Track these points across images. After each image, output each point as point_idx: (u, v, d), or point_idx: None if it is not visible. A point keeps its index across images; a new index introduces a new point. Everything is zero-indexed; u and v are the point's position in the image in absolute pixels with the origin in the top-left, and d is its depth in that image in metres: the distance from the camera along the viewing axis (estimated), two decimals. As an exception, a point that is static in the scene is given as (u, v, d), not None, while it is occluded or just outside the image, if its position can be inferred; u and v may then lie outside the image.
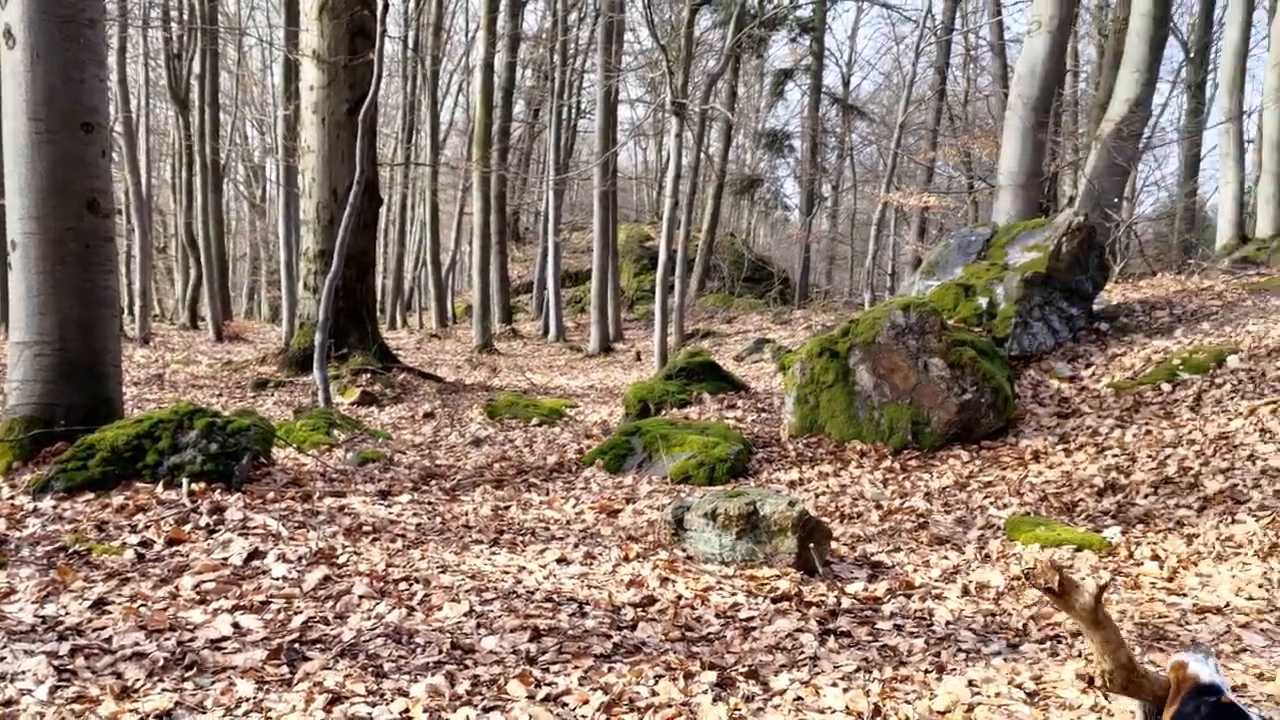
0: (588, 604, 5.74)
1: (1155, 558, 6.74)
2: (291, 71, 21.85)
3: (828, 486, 9.11)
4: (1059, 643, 5.46)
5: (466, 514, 7.95)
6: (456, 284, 40.56)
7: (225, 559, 5.99)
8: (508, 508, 8.26)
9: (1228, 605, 5.84)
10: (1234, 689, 4.68)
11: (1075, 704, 4.48)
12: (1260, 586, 6.02)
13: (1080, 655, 5.17)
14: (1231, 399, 9.50)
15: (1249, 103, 22.22)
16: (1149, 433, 9.29)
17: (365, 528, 7.06)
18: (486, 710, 4.11)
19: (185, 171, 28.11)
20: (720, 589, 6.21)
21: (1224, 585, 6.14)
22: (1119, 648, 1.79)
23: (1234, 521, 7.17)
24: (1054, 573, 1.77)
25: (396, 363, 16.80)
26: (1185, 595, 6.11)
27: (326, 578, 5.77)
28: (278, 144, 24.82)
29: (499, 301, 29.41)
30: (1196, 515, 7.47)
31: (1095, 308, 13.06)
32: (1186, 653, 1.71)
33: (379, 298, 23.81)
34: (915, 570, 6.88)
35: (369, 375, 15.21)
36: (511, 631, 5.13)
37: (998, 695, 4.61)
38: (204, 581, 5.59)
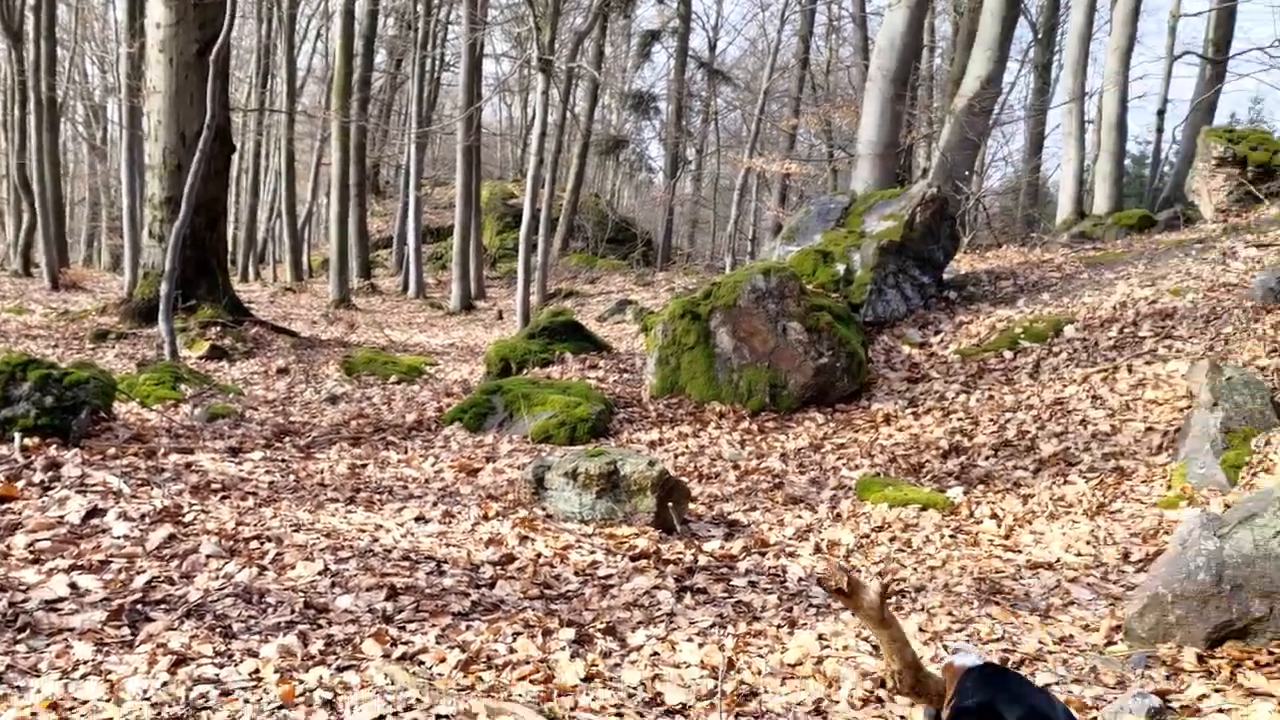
0: (446, 562, 5.69)
1: (994, 516, 7.07)
2: (136, 7, 20.69)
3: (687, 447, 9.23)
4: (904, 598, 5.68)
5: (322, 472, 7.77)
6: (313, 237, 39.37)
7: (62, 517, 5.70)
8: (365, 466, 8.11)
9: (1058, 561, 6.18)
10: (1061, 640, 4.97)
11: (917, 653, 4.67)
12: (1088, 543, 6.38)
13: (923, 609, 5.41)
14: (1067, 366, 9.99)
15: (1090, 84, 23.24)
16: (991, 398, 9.71)
17: (214, 485, 6.83)
18: (341, 670, 4.04)
19: (18, 109, 26.35)
20: (579, 547, 6.24)
21: (1055, 542, 6.49)
22: (905, 646, 1.88)
23: (1066, 482, 7.58)
24: (842, 575, 1.86)
25: (249, 316, 16.23)
26: (1020, 552, 6.44)
27: (171, 536, 5.56)
28: (121, 83, 23.45)
29: (357, 256, 28.70)
30: (1032, 476, 7.86)
31: (945, 277, 13.54)
32: (956, 655, 1.78)
33: (230, 248, 22.89)
34: (770, 529, 7.05)
35: (219, 328, 14.66)
36: (367, 590, 5.04)
37: (845, 648, 4.78)
38: (38, 540, 5.32)
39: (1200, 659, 4.44)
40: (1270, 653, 4.41)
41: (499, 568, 5.72)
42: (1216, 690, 4.09)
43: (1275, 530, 4.50)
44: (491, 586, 5.39)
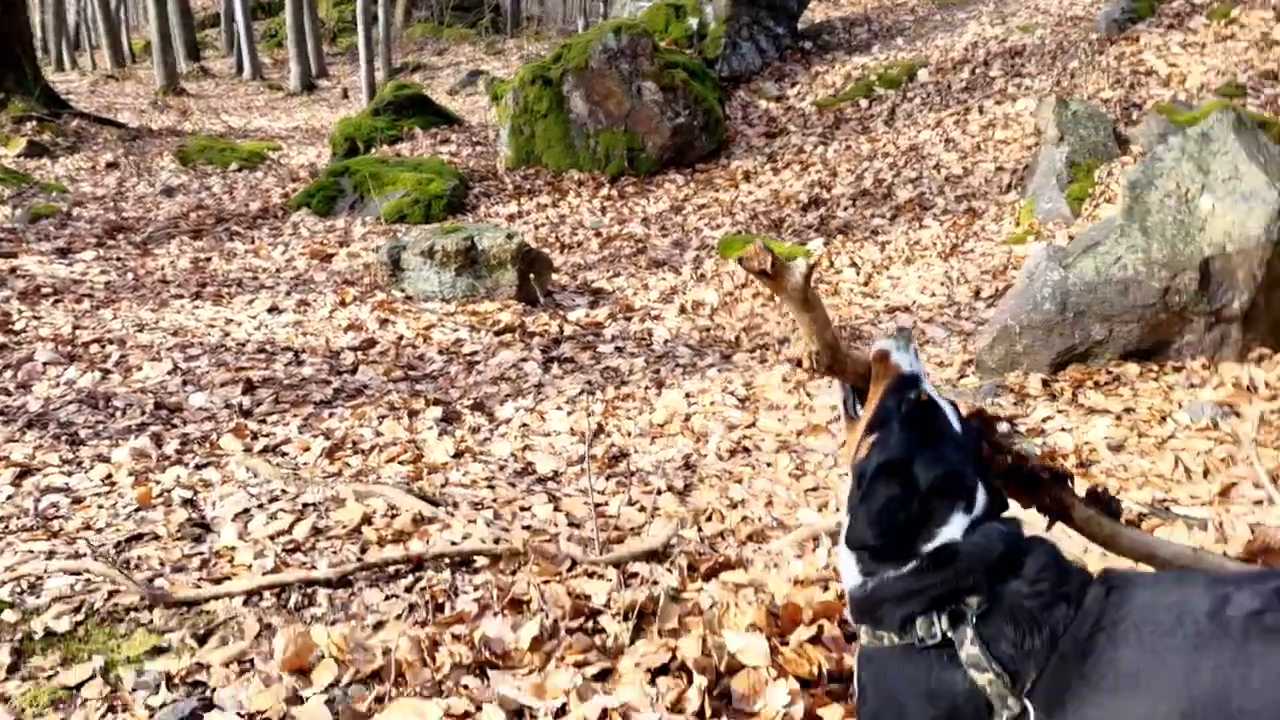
0: (304, 352, 5.52)
1: (853, 265, 7.19)
2: None
3: (547, 218, 9.05)
4: (767, 350, 5.79)
5: (163, 268, 7.37)
6: (132, 18, 36.21)
7: (-125, 337, 5.30)
8: (209, 259, 7.72)
9: (914, 303, 6.34)
10: (918, 378, 5.15)
11: (781, 404, 4.79)
12: (942, 284, 6.56)
13: (788, 361, 5.51)
14: (921, 111, 10.02)
15: None
16: (849, 148, 9.72)
17: (44, 289, 6.41)
18: (200, 468, 3.92)
19: None
20: (442, 326, 6.12)
21: (911, 285, 6.65)
22: (826, 328, 1.82)
23: (921, 227, 7.72)
24: (766, 255, 1.74)
25: (67, 108, 14.96)
26: (878, 297, 6.58)
27: (3, 346, 5.23)
28: None
29: (182, 37, 26.55)
30: (889, 223, 7.97)
31: (800, 26, 13.25)
32: (888, 339, 1.72)
33: (38, 35, 20.89)
34: (635, 294, 7.03)
35: (35, 123, 13.49)
36: (222, 386, 4.86)
37: (713, 404, 4.86)
38: None
39: (1045, 384, 4.65)
40: (1108, 372, 4.64)
41: (360, 353, 5.59)
42: (1060, 411, 4.30)
43: (1116, 257, 4.65)
44: (353, 373, 5.27)
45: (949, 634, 1.52)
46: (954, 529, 1.61)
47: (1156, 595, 1.50)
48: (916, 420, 1.66)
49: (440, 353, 5.68)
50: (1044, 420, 4.23)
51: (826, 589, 2.86)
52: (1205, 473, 3.51)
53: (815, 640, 2.60)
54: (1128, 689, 1.38)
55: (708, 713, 2.33)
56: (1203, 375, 4.48)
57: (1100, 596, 1.50)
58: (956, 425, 1.72)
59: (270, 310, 6.28)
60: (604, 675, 2.49)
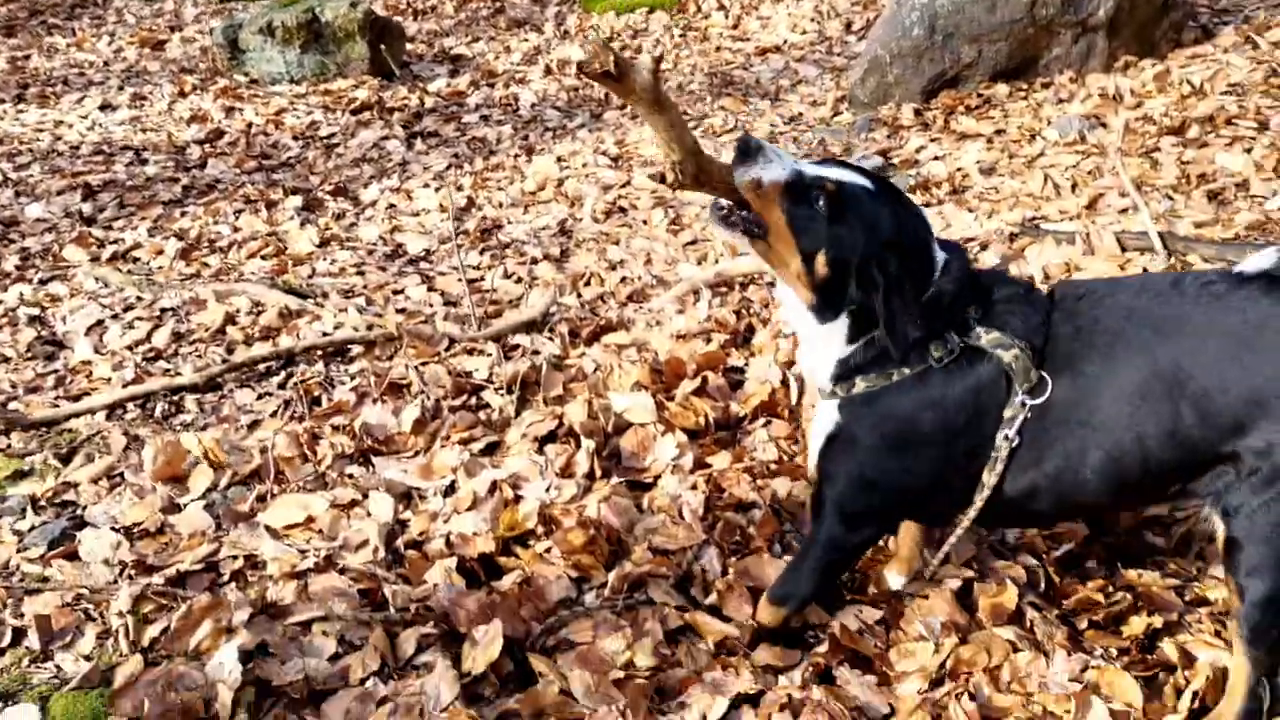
0: (146, 149, 5.15)
1: (721, 8, 6.89)
2: None
3: (396, -18, 8.45)
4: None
5: (-23, 73, 6.73)
6: None
7: None
8: (28, 57, 7.04)
9: (785, 43, 6.15)
10: (792, 119, 5.04)
11: (655, 159, 4.66)
12: (812, 20, 6.36)
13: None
14: None
15: None
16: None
17: None
18: (44, 282, 3.67)
19: None
20: (294, 110, 5.75)
21: (781, 24, 6.42)
22: (684, 131, 1.66)
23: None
24: (608, 54, 1.57)
25: None
26: (749, 40, 6.36)
27: None
28: None
29: None
30: (755, -40, 7.63)
31: None
32: (744, 169, 1.60)
33: None
34: (497, 58, 6.68)
35: None
36: (59, 194, 4.52)
37: (585, 166, 4.70)
38: None
39: (918, 113, 4.59)
40: (979, 95, 4.59)
41: (208, 145, 5.23)
42: (933, 140, 4.27)
43: (983, -25, 4.52)
44: (202, 167, 4.95)
45: (962, 341, 1.65)
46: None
47: (1120, 282, 1.84)
48: (850, 207, 1.62)
49: (295, 138, 5.36)
50: (918, 150, 4.20)
51: (709, 340, 2.85)
52: (1073, 187, 3.53)
53: (700, 392, 2.60)
54: (1108, 346, 1.63)
55: (598, 473, 2.32)
56: (1070, 89, 4.46)
57: (1070, 285, 1.75)
58: (866, 180, 1.67)
59: (103, 108, 5.81)
60: (491, 449, 2.47)
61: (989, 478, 1.66)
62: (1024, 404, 1.64)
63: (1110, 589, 1.92)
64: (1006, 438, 1.64)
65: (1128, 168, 3.44)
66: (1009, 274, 1.81)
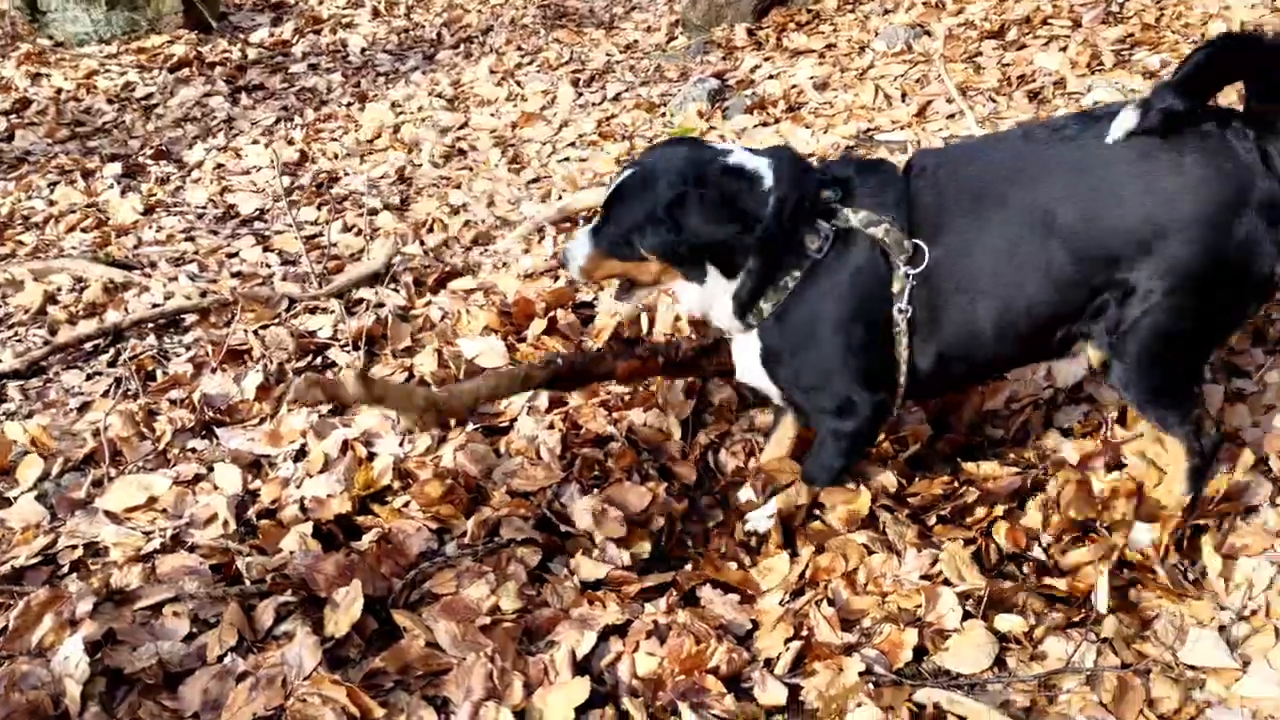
0: (-56, 126, 4.80)
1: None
2: None
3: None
4: (471, 44, 5.46)
5: None
6: None
7: None
8: None
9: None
10: (627, 48, 4.99)
11: (492, 98, 4.57)
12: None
13: (491, 50, 5.23)
14: None
15: None
16: None
17: None
18: None
19: None
20: (107, 72, 5.43)
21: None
22: (409, 397, 1.78)
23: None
24: (316, 388, 1.61)
25: None
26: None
27: None
28: None
29: None
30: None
31: None
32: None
33: None
34: (321, 2, 6.41)
35: None
36: None
37: (421, 110, 4.58)
38: None
39: (750, 33, 4.60)
40: (809, 10, 4.63)
41: (13, 116, 4.90)
42: (766, 59, 4.28)
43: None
44: (9, 140, 4.64)
45: (833, 225, 1.73)
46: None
47: (973, 143, 2.05)
48: (618, 207, 1.80)
49: (110, 101, 5.07)
50: (753, 70, 4.21)
51: (557, 278, 2.82)
52: (903, 96, 3.60)
53: (551, 330, 2.58)
54: (975, 205, 1.71)
55: (452, 420, 2.29)
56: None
57: (927, 154, 1.84)
58: (628, 171, 1.81)
59: (-109, 84, 5.39)
60: (340, 409, 2.40)
61: (901, 351, 1.77)
62: (907, 275, 1.72)
63: (955, 484, 1.99)
64: (899, 310, 1.73)
65: (952, 74, 3.51)
66: (860, 156, 1.87)
